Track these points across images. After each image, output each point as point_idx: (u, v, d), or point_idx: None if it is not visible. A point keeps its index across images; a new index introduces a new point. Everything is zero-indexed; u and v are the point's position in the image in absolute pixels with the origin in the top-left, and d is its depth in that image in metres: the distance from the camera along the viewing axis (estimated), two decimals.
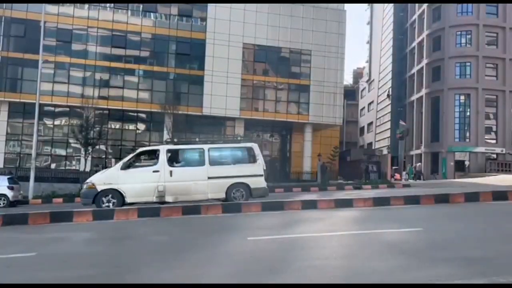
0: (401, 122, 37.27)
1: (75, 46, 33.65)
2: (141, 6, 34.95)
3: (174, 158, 13.85)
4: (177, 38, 34.87)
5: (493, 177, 28.41)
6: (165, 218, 11.34)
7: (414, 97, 46.67)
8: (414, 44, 47.49)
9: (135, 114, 35.43)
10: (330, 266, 5.83)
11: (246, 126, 35.98)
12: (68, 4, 33.36)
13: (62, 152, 34.58)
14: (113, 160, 32.82)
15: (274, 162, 39.35)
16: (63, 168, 34.12)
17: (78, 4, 33.56)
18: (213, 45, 34.24)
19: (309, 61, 36.55)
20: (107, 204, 12.95)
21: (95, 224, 10.91)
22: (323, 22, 36.45)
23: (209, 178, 13.50)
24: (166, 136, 30.84)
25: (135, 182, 13.20)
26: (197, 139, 16.46)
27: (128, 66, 34.35)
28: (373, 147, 55.53)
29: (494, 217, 10.24)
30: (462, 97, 41.64)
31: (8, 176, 23.21)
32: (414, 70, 47.13)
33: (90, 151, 29.34)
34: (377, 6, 59.30)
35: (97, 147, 31.24)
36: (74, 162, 34.28)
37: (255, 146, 14.33)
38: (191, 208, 11.94)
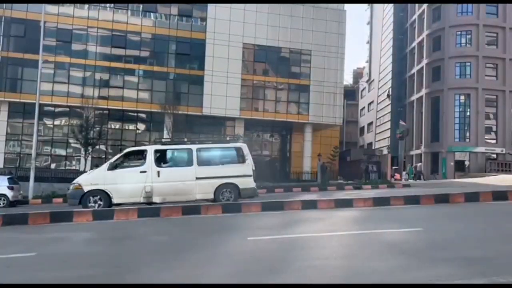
0: (401, 122, 37.26)
1: (75, 46, 33.65)
2: (141, 6, 34.95)
3: (161, 159, 13.73)
4: (177, 38, 34.87)
5: (493, 177, 28.40)
6: (165, 218, 11.34)
7: (414, 97, 46.67)
8: (414, 44, 47.50)
9: (135, 114, 35.43)
10: (330, 266, 5.83)
11: (246, 126, 35.97)
12: (68, 4, 33.35)
13: (62, 152, 34.59)
14: None
15: (274, 162, 39.37)
16: (63, 168, 34.13)
17: (78, 4, 33.56)
18: (213, 45, 34.24)
19: (309, 61, 36.55)
20: (93, 205, 12.83)
21: (95, 224, 10.91)
22: (323, 22, 36.45)
23: (197, 178, 13.39)
24: (166, 136, 30.85)
25: (122, 183, 13.10)
26: (185, 139, 16.36)
27: (128, 66, 34.36)
28: (373, 147, 55.54)
29: (494, 217, 10.23)
30: (462, 97, 41.64)
31: (8, 176, 23.21)
32: (414, 70, 47.13)
33: (90, 151, 29.36)
34: (377, 6, 59.30)
35: (97, 147, 31.26)
36: (74, 162, 34.29)
37: (244, 146, 14.21)
38: (191, 208, 11.94)
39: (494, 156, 40.77)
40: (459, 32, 41.78)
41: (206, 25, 34.85)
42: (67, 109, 33.71)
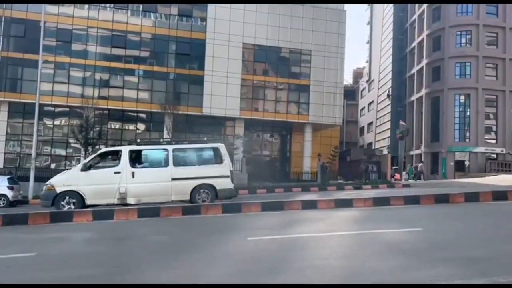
0: (401, 122, 37.27)
1: (75, 46, 33.64)
2: (141, 6, 34.94)
3: (137, 159, 13.60)
4: (177, 38, 34.87)
5: (493, 177, 28.39)
6: (165, 218, 11.33)
7: (414, 97, 46.67)
8: (414, 44, 47.50)
9: (135, 114, 35.43)
10: (330, 266, 5.83)
11: (246, 126, 35.98)
12: (68, 4, 33.35)
13: (62, 152, 34.58)
14: None
15: (274, 162, 39.40)
16: (63, 168, 34.01)
17: (78, 4, 33.55)
18: (213, 45, 34.24)
19: (309, 61, 36.56)
20: (67, 206, 12.70)
21: (95, 224, 10.90)
22: (323, 22, 36.46)
23: (173, 179, 13.25)
24: (166, 136, 30.85)
25: (96, 184, 12.94)
26: (161, 139, 16.24)
27: (128, 66, 34.35)
28: (373, 147, 55.54)
29: (494, 217, 10.24)
30: (462, 97, 41.64)
31: (8, 176, 23.23)
32: (414, 70, 47.13)
33: (90, 151, 29.30)
34: (377, 6, 59.30)
35: (97, 147, 31.21)
36: (74, 162, 34.21)
37: (221, 147, 14.11)
38: (191, 208, 11.95)
39: (494, 156, 40.76)
40: (459, 32, 41.78)
41: (206, 25, 34.85)
42: (67, 109, 33.70)
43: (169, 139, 16.77)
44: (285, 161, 39.90)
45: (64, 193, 12.85)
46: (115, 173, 13.11)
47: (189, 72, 35.33)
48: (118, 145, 34.55)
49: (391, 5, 52.77)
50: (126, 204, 12.94)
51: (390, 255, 6.34)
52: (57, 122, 34.58)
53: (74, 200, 12.80)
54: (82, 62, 33.39)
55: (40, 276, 5.90)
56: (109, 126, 34.63)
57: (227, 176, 13.75)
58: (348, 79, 66.99)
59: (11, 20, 32.46)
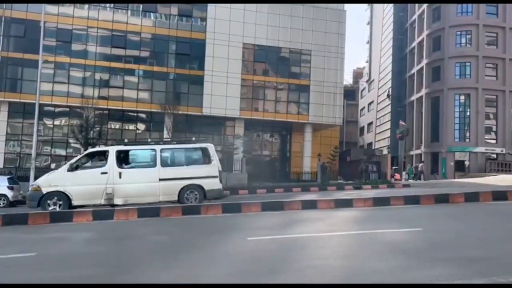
0: (401, 122, 37.28)
1: (75, 46, 33.64)
2: (141, 6, 34.94)
3: (124, 159, 13.52)
4: (177, 38, 34.87)
5: (493, 177, 28.39)
6: (165, 218, 11.34)
7: (414, 97, 46.67)
8: (414, 44, 47.49)
9: (135, 114, 35.42)
10: (330, 266, 5.83)
11: (246, 126, 35.99)
12: (68, 4, 33.34)
13: (62, 152, 34.57)
14: None
15: (274, 162, 39.40)
16: None
17: (78, 4, 33.54)
18: (213, 45, 34.24)
19: (309, 61, 36.56)
20: (53, 207, 12.60)
21: (95, 224, 10.91)
22: (323, 22, 36.46)
23: (160, 180, 13.14)
24: (166, 136, 30.85)
25: (82, 184, 12.83)
26: (149, 140, 16.18)
27: (128, 66, 34.35)
28: (373, 147, 55.53)
29: (494, 217, 10.24)
30: (462, 97, 41.63)
31: (8, 176, 23.23)
32: (414, 70, 47.13)
33: None
34: (377, 6, 59.30)
35: (97, 147, 31.21)
36: None
37: (210, 147, 14.02)
38: (191, 208, 11.95)
39: (494, 156, 40.76)
40: (459, 32, 41.78)
41: (206, 25, 34.84)
42: (67, 109, 33.70)
43: (157, 139, 16.62)
44: (285, 161, 39.91)
45: (50, 194, 12.74)
46: (102, 173, 13.00)
47: (189, 72, 35.32)
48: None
49: (391, 5, 52.77)
50: (113, 205, 12.85)
51: (390, 255, 6.34)
52: (57, 122, 34.57)
53: (60, 201, 12.71)
54: (82, 62, 33.38)
55: (40, 276, 5.90)
56: (109, 126, 34.63)
57: (216, 177, 13.61)
58: (348, 79, 67.08)
59: (11, 20, 32.45)
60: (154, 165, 13.30)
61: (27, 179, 25.22)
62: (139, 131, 35.73)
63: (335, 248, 7.04)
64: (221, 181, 13.85)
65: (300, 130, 37.83)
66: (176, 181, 13.25)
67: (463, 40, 41.89)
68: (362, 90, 65.21)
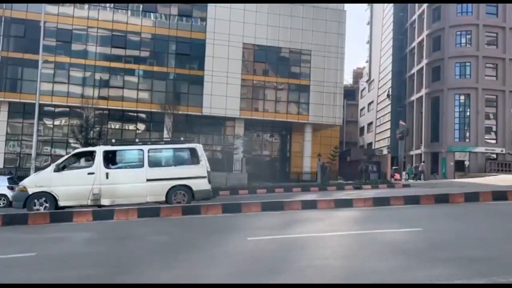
0: (401, 122, 37.29)
1: (75, 46, 33.62)
2: (141, 6, 34.93)
3: (111, 160, 13.41)
4: (177, 38, 34.85)
5: (493, 177, 28.39)
6: (165, 218, 11.34)
7: (414, 97, 46.67)
8: (414, 44, 47.50)
9: (135, 114, 35.42)
10: (330, 266, 5.83)
11: (246, 126, 35.98)
12: (68, 4, 33.34)
13: (62, 152, 34.47)
14: None
15: (274, 162, 39.40)
16: None
17: (78, 4, 33.54)
18: (213, 45, 34.23)
19: (309, 61, 36.55)
20: (39, 207, 12.53)
21: (95, 224, 10.91)
22: (323, 22, 36.46)
23: (148, 180, 13.04)
24: (166, 136, 30.84)
25: (69, 185, 12.73)
26: (137, 140, 16.11)
27: (128, 66, 34.34)
28: (373, 147, 55.54)
29: (494, 217, 10.24)
30: (462, 97, 41.63)
31: (8, 176, 23.19)
32: (414, 70, 47.13)
33: None
34: (377, 6, 59.30)
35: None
36: None
37: (198, 147, 13.94)
38: (191, 208, 11.95)
39: (494, 156, 40.76)
40: (459, 32, 41.78)
41: (206, 25, 34.84)
42: (67, 109, 33.69)
43: (144, 139, 16.50)
44: (285, 161, 39.90)
45: (36, 194, 12.65)
46: (89, 174, 12.92)
47: (189, 72, 35.32)
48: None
49: (391, 5, 52.77)
50: (100, 206, 12.78)
51: (390, 255, 6.34)
52: (57, 122, 34.57)
53: (46, 202, 12.62)
54: (82, 62, 33.38)
55: (40, 276, 5.90)
56: (109, 126, 34.62)
57: (204, 177, 13.51)
58: (348, 79, 67.09)
59: (11, 20, 32.43)
60: (142, 166, 13.21)
61: None
62: (139, 131, 35.72)
63: (335, 248, 7.05)
64: (209, 182, 13.71)
65: (300, 130, 37.83)
66: (163, 182, 13.17)
67: (463, 40, 41.89)
68: (362, 90, 65.21)
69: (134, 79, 34.74)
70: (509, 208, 11.75)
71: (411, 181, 32.78)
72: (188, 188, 13.31)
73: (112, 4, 34.33)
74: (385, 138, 52.87)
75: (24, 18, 32.16)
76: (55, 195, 12.68)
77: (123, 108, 34.28)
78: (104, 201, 12.87)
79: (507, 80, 40.64)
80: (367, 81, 62.15)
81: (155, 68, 34.75)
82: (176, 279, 5.49)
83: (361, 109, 64.96)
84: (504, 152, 40.43)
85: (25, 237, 9.47)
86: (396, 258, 6.17)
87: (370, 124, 59.99)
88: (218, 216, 11.48)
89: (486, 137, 41.02)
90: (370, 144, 58.58)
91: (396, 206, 12.28)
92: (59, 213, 11.70)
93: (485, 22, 41.16)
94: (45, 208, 12.52)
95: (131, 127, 35.97)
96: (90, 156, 13.46)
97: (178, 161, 13.81)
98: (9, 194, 21.42)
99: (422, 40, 45.09)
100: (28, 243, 8.57)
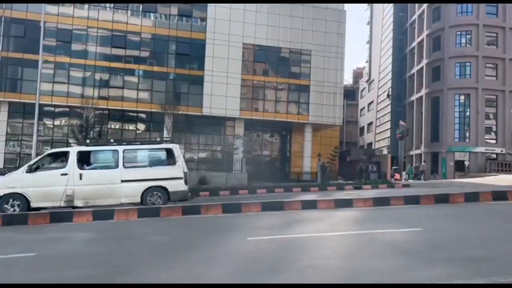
0: (401, 122, 37.30)
1: (75, 46, 33.63)
2: (141, 6, 34.93)
3: (85, 160, 13.23)
4: (177, 38, 34.86)
5: (493, 177, 28.39)
6: (165, 218, 11.34)
7: (414, 97, 46.67)
8: (414, 44, 47.49)
9: (135, 114, 35.42)
10: (330, 266, 5.83)
11: (246, 126, 35.99)
12: (68, 4, 33.34)
13: None
14: None
15: (274, 162, 39.40)
16: None
17: (78, 4, 33.54)
18: (213, 45, 34.24)
19: (309, 61, 36.55)
20: (10, 209, 12.36)
21: (95, 224, 10.91)
22: (323, 22, 36.46)
23: (122, 181, 12.91)
24: (166, 137, 30.83)
25: (41, 186, 12.56)
26: (111, 140, 16.00)
27: (128, 66, 34.34)
28: (373, 147, 55.53)
29: (494, 217, 10.24)
30: (462, 97, 41.63)
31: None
32: (414, 70, 47.13)
33: None
34: (377, 6, 59.29)
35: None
36: None
37: (175, 147, 13.74)
38: (191, 208, 11.94)
39: (494, 156, 40.75)
40: (459, 32, 41.77)
41: (206, 25, 34.84)
42: (67, 109, 33.69)
43: (120, 140, 16.28)
44: (285, 161, 39.90)
45: (7, 196, 12.47)
46: (62, 174, 12.75)
47: (189, 72, 35.32)
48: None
49: (391, 5, 52.75)
50: (74, 207, 12.67)
51: (390, 255, 6.34)
52: (57, 122, 34.57)
53: (18, 203, 12.46)
54: (82, 62, 33.38)
55: (40, 276, 5.90)
56: (109, 126, 34.63)
57: (180, 178, 13.30)
58: (348, 79, 67.04)
59: (11, 20, 32.44)
60: (116, 166, 13.06)
61: None
62: (139, 131, 35.74)
63: (335, 248, 7.05)
64: (186, 183, 13.53)
65: (300, 130, 37.83)
66: (138, 183, 13.01)
67: (463, 40, 41.89)
68: (362, 90, 65.20)
69: (134, 79, 34.74)
70: (509, 208, 11.75)
71: (411, 181, 32.78)
72: (163, 189, 13.14)
73: (112, 4, 34.34)
74: (385, 138, 52.87)
75: (24, 18, 32.15)
76: (27, 196, 12.48)
77: (123, 108, 34.28)
78: (78, 203, 12.73)
79: (507, 80, 40.64)
80: (367, 81, 62.14)
81: (155, 68, 34.75)
82: (176, 279, 5.49)
83: (361, 109, 64.94)
84: (504, 152, 40.43)
85: (25, 237, 9.47)
86: (396, 258, 6.17)
87: (370, 124, 59.98)
88: (218, 216, 11.48)
89: (486, 137, 41.02)
90: (370, 144, 58.57)
91: (396, 206, 12.28)
92: (59, 213, 11.70)
93: (485, 22, 41.15)
94: (17, 209, 12.34)
95: (131, 127, 35.98)
96: (64, 156, 13.27)
97: (153, 162, 13.60)
98: None
99: (422, 40, 45.09)
100: (28, 243, 8.57)
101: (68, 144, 33.80)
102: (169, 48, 35.14)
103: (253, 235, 8.24)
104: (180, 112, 32.18)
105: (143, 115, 35.45)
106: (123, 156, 13.14)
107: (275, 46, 35.91)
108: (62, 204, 12.72)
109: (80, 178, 12.76)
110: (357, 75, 70.40)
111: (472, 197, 12.76)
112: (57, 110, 34.11)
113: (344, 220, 10.32)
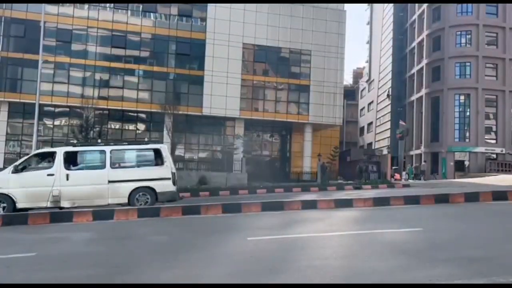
0: (401, 122, 37.29)
1: (75, 46, 33.62)
2: (141, 6, 34.93)
3: (72, 161, 13.13)
4: (177, 38, 34.85)
5: (493, 177, 28.40)
6: (165, 218, 11.34)
7: (414, 97, 46.67)
8: (414, 44, 47.49)
9: (135, 114, 35.42)
10: (330, 266, 5.83)
11: (246, 126, 35.99)
12: (68, 4, 33.34)
13: None
14: None
15: (274, 162, 39.40)
16: None
17: (78, 4, 33.54)
18: (213, 45, 34.24)
19: (309, 61, 36.55)
20: None
21: (95, 224, 10.91)
22: (323, 22, 36.46)
23: (109, 182, 12.81)
24: (166, 137, 30.84)
25: (28, 186, 12.46)
26: (99, 140, 15.97)
27: (128, 66, 34.34)
28: (373, 147, 55.52)
29: (494, 217, 10.24)
30: (462, 97, 41.63)
31: None
32: (414, 70, 47.12)
33: None
34: (377, 6, 59.28)
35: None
36: None
37: (163, 148, 13.71)
38: (191, 208, 11.94)
39: (494, 156, 40.76)
40: (459, 32, 41.77)
41: (206, 25, 34.84)
42: (67, 109, 33.68)
43: (107, 140, 16.18)
44: (285, 161, 39.90)
45: None
46: (49, 175, 12.65)
47: (189, 72, 35.32)
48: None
49: (391, 5, 52.75)
50: (60, 208, 12.61)
51: (390, 255, 6.34)
52: (57, 122, 34.57)
53: (4, 204, 12.33)
54: (82, 62, 33.37)
55: (40, 276, 5.90)
56: (109, 126, 34.63)
57: (168, 178, 13.21)
58: (348, 79, 67.03)
59: (11, 20, 32.42)
60: (103, 167, 12.98)
61: None
62: (139, 131, 35.73)
63: (335, 248, 7.05)
64: (174, 183, 13.42)
65: (300, 130, 37.83)
66: (126, 183, 12.93)
67: (463, 40, 41.89)
68: (362, 90, 65.19)
69: (134, 79, 34.74)
70: (509, 208, 11.76)
71: (411, 181, 32.78)
72: (151, 189, 13.06)
73: (112, 4, 34.33)
74: (385, 138, 52.86)
75: (24, 18, 32.15)
76: (12, 197, 12.37)
77: (123, 108, 34.28)
78: (64, 203, 12.65)
79: (507, 80, 40.64)
80: (367, 81, 62.13)
81: (155, 68, 34.75)
82: (176, 279, 5.49)
83: (361, 109, 64.93)
84: (504, 152, 40.43)
85: (25, 237, 9.47)
86: (396, 258, 6.17)
87: (370, 124, 59.97)
88: (218, 216, 11.48)
89: (486, 137, 41.02)
90: (370, 144, 58.56)
91: (396, 206, 12.29)
92: (59, 213, 11.71)
93: (485, 22, 41.15)
94: (3, 210, 12.24)
95: (131, 127, 35.98)
96: (51, 157, 13.18)
97: (141, 162, 13.51)
98: None
99: (422, 40, 45.08)
100: (28, 243, 8.57)
101: (68, 144, 33.85)
102: (169, 48, 35.14)
103: (253, 235, 8.24)
104: (180, 112, 32.13)
105: (143, 115, 35.45)
106: (110, 157, 13.07)
107: (275, 46, 35.91)
108: (49, 204, 12.61)
109: (67, 179, 12.68)
110: (357, 75, 70.39)
111: (472, 197, 12.76)
112: (57, 110, 34.11)
113: (344, 220, 10.32)
